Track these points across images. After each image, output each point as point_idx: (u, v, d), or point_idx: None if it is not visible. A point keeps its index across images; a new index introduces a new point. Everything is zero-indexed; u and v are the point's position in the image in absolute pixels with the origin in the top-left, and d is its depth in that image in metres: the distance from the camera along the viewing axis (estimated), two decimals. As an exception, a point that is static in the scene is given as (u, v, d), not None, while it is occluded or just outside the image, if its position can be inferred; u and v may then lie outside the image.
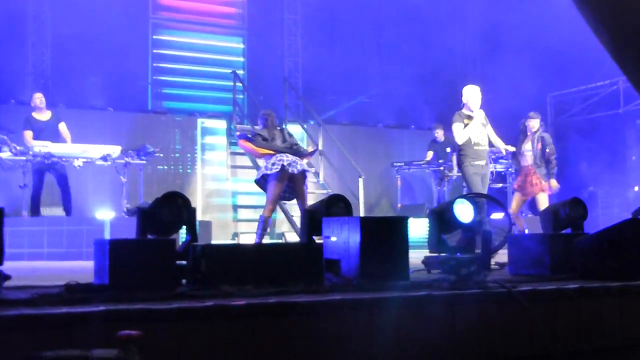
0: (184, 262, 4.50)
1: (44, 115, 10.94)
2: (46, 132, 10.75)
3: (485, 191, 8.98)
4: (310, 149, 10.03)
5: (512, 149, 10.14)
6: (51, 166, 10.59)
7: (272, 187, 8.92)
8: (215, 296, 3.78)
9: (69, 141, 10.79)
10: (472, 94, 9.18)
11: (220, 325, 3.46)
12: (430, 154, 14.12)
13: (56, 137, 10.74)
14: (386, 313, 3.83)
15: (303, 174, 8.99)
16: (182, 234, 5.10)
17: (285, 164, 8.79)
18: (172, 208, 4.78)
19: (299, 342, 3.61)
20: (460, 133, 9.01)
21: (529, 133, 10.45)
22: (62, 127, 10.92)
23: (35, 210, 10.59)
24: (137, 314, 3.32)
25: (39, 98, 10.94)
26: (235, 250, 4.73)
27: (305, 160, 9.19)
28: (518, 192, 10.43)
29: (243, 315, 3.51)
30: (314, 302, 3.70)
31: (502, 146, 9.68)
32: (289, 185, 9.01)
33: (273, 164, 8.84)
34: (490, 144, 9.42)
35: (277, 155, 8.92)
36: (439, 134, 14.23)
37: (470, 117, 9.06)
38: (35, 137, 10.56)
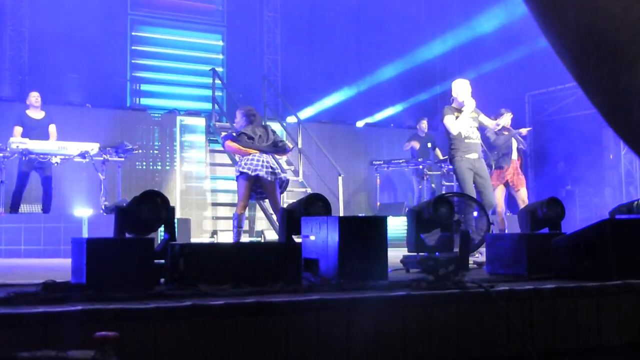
0: (162, 261, 4.49)
1: (38, 114, 10.89)
2: (37, 130, 10.72)
3: (488, 184, 8.97)
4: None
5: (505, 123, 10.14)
6: (38, 166, 10.53)
7: (242, 185, 8.86)
8: (193, 296, 3.77)
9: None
10: (461, 88, 9.10)
11: (198, 325, 3.45)
12: (415, 143, 14.06)
13: (47, 137, 10.69)
14: (364, 313, 3.83)
15: (274, 183, 8.85)
16: (161, 232, 5.09)
17: (260, 174, 8.71)
18: (151, 207, 4.77)
19: (276, 342, 3.61)
20: (453, 124, 8.88)
21: (509, 128, 10.52)
22: (52, 128, 10.89)
23: (14, 207, 10.52)
24: (114, 314, 3.29)
25: (34, 97, 10.91)
26: (213, 250, 4.72)
27: (284, 158, 9.13)
28: (504, 187, 10.39)
29: (221, 315, 3.50)
30: (291, 302, 3.69)
31: (491, 124, 9.61)
32: (259, 187, 8.92)
33: (248, 165, 8.76)
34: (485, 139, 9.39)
35: (258, 156, 8.83)
36: (423, 126, 14.26)
37: (460, 111, 8.97)
38: (26, 135, 10.51)
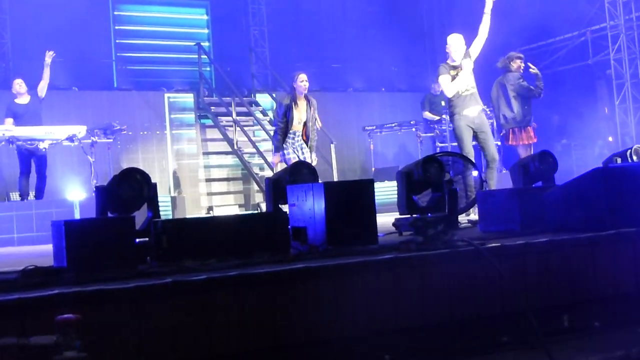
0: (147, 239, 4.41)
1: (24, 100, 10.76)
2: (26, 116, 10.58)
3: (490, 139, 8.64)
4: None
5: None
6: (33, 152, 10.43)
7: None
8: (176, 272, 3.69)
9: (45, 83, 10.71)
10: (454, 43, 8.68)
11: (181, 302, 3.37)
12: (427, 114, 13.71)
13: (37, 121, 10.57)
14: (351, 279, 3.75)
15: None
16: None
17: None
18: (131, 185, 4.68)
19: (263, 313, 3.53)
20: (448, 85, 8.53)
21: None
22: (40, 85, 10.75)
23: (22, 193, 10.48)
24: (93, 296, 3.21)
25: (18, 84, 10.76)
26: (197, 224, 4.62)
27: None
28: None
29: (204, 290, 3.42)
30: (276, 272, 3.61)
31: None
32: None
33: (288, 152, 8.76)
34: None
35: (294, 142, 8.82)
36: (436, 87, 13.96)
37: (455, 67, 8.60)
38: (17, 122, 10.39)
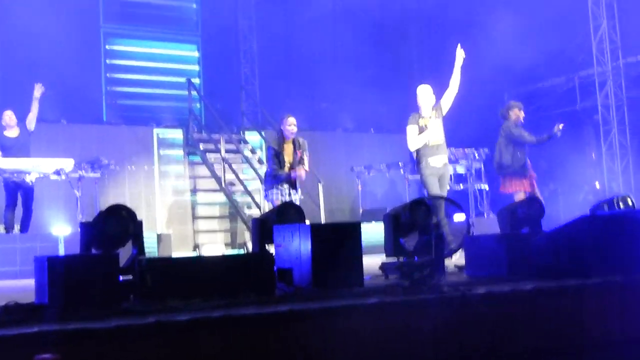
0: (131, 277, 4.36)
1: (13, 133, 10.70)
2: (14, 149, 10.51)
3: (444, 191, 8.75)
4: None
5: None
6: (20, 185, 10.35)
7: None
8: (159, 311, 3.64)
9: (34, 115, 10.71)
10: (422, 95, 8.88)
11: (163, 342, 3.32)
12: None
13: (25, 153, 10.51)
14: (338, 322, 3.71)
15: None
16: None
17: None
18: (117, 221, 4.64)
19: (247, 355, 3.48)
20: (412, 138, 8.74)
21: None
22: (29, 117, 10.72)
23: (7, 226, 10.37)
24: (74, 335, 3.16)
25: (8, 116, 10.69)
26: (182, 263, 4.59)
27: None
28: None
29: (187, 330, 3.37)
30: (261, 314, 3.57)
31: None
32: None
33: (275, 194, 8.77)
34: None
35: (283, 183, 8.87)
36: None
37: (422, 117, 8.79)
38: (5, 155, 10.33)
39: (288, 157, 8.83)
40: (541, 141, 10.06)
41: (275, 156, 8.79)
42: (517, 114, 10.15)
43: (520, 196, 9.77)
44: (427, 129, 8.69)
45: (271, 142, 9.02)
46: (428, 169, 8.65)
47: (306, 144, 9.09)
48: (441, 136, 8.77)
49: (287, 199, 8.70)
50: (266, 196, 9.10)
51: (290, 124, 8.89)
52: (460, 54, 9.03)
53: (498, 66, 15.86)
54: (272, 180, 8.91)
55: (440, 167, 8.72)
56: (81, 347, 3.14)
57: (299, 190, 8.95)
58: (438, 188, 8.65)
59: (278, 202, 8.51)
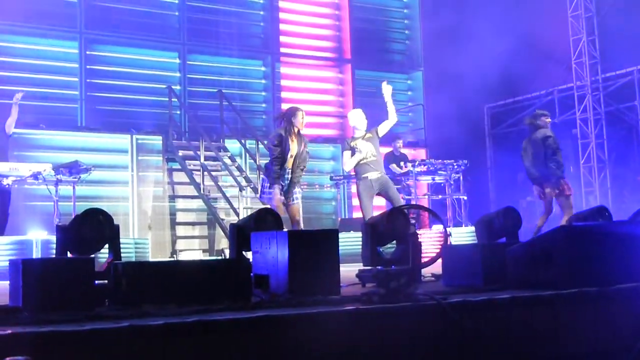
0: (106, 282, 4.34)
1: None
2: None
3: (394, 194, 9.32)
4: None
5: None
6: None
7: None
8: (133, 316, 3.62)
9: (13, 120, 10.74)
10: (353, 119, 9.59)
11: (136, 347, 3.30)
12: (394, 166, 13.81)
13: (2, 157, 10.44)
14: (313, 329, 3.71)
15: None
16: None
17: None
18: (93, 225, 4.63)
19: (221, 361, 3.47)
20: (347, 161, 9.42)
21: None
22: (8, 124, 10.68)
23: None
24: (46, 338, 3.14)
25: None
26: (157, 268, 4.55)
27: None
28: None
29: (160, 335, 3.35)
30: (236, 320, 3.56)
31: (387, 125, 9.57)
32: None
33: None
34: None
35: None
36: (399, 145, 14.15)
37: (355, 139, 9.42)
38: None
39: (292, 149, 8.74)
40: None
41: (279, 143, 8.65)
42: (548, 120, 10.48)
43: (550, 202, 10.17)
44: (358, 149, 9.31)
45: (279, 130, 8.87)
46: (361, 184, 9.34)
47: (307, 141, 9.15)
48: (374, 153, 9.36)
49: (294, 201, 8.72)
50: (262, 196, 8.97)
51: (302, 117, 8.88)
52: (386, 90, 9.63)
53: (478, 80, 15.98)
54: (274, 178, 8.69)
55: (376, 179, 9.31)
56: (54, 350, 3.12)
57: (297, 189, 8.89)
58: (370, 205, 9.31)
59: (276, 203, 8.49)
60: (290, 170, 8.74)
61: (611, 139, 16.13)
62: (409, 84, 18.26)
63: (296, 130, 8.81)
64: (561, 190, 10.05)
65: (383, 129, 9.50)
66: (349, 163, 9.38)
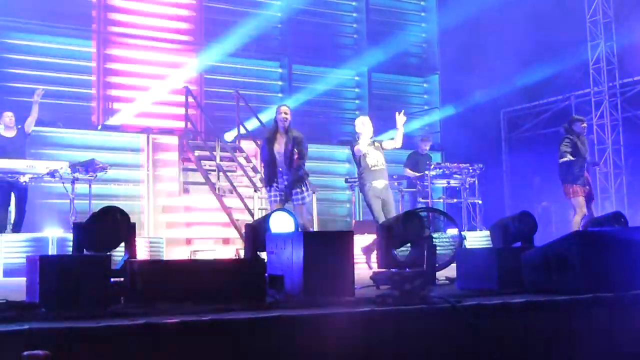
0: (122, 279, 4.36)
1: (11, 133, 10.74)
2: (10, 148, 10.54)
3: (392, 211, 9.37)
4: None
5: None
6: (13, 185, 10.35)
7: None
8: (149, 314, 3.64)
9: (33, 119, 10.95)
10: (361, 126, 9.71)
11: (151, 344, 3.32)
12: (408, 171, 13.73)
13: (20, 155, 10.53)
14: (327, 330, 3.72)
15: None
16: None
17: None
18: (109, 223, 4.64)
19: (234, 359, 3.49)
20: (362, 146, 9.51)
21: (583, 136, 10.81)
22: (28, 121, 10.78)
23: (1, 227, 10.36)
24: (63, 333, 3.16)
25: (8, 117, 10.77)
26: (173, 267, 4.58)
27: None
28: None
29: (175, 333, 3.37)
30: (250, 319, 3.57)
31: (390, 145, 9.84)
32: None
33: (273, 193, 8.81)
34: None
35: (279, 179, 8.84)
36: (425, 146, 14.00)
37: (364, 145, 9.53)
38: (1, 155, 10.34)
39: (279, 148, 8.72)
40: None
41: (262, 148, 8.75)
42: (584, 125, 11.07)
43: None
44: (362, 140, 9.54)
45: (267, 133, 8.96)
46: (371, 190, 9.47)
47: (303, 138, 9.00)
48: (383, 163, 9.59)
49: (297, 202, 8.71)
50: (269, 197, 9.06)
51: (282, 112, 8.83)
52: (400, 120, 9.82)
53: (496, 84, 15.95)
54: (265, 182, 8.89)
55: (382, 189, 9.53)
56: (71, 346, 3.15)
57: (303, 189, 8.85)
58: (380, 209, 9.44)
59: (275, 205, 8.49)
60: (284, 172, 8.75)
61: (628, 145, 16.04)
62: (425, 87, 18.24)
63: (282, 129, 8.78)
64: (566, 194, 10.68)
65: (387, 145, 9.75)
66: (361, 149, 9.47)
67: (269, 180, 8.77)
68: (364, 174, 9.49)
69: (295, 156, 8.83)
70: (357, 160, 9.62)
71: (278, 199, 8.71)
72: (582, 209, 10.32)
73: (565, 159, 10.53)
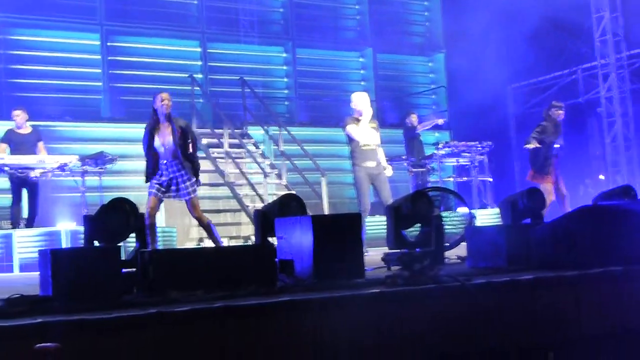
0: (133, 270, 4.40)
1: (24, 130, 10.76)
2: (25, 145, 10.57)
3: (386, 190, 9.19)
4: None
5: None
6: (25, 181, 10.40)
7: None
8: (160, 303, 3.67)
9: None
10: (360, 100, 9.47)
11: (164, 333, 3.35)
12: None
13: (33, 152, 10.56)
14: (337, 312, 3.74)
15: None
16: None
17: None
18: (119, 215, 4.69)
19: (247, 345, 3.51)
20: (355, 131, 9.22)
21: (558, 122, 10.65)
22: (41, 145, 10.76)
23: (14, 222, 10.42)
24: (76, 325, 3.20)
25: (18, 116, 10.73)
26: (184, 256, 4.61)
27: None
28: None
29: (187, 321, 3.40)
30: (261, 305, 3.60)
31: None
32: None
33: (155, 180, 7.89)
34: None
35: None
36: (414, 119, 13.77)
37: (358, 121, 9.27)
38: (14, 151, 10.39)
39: (162, 139, 7.77)
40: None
41: (146, 138, 7.81)
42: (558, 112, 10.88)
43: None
44: (363, 121, 9.25)
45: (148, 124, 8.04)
46: (362, 170, 9.20)
47: (189, 126, 8.17)
48: (377, 144, 9.35)
49: (164, 194, 7.92)
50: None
51: (161, 100, 7.84)
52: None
53: (501, 60, 15.89)
54: (146, 176, 7.96)
55: (373, 168, 9.23)
56: (83, 337, 3.18)
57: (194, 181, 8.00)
58: (367, 193, 9.31)
59: (152, 198, 7.85)
60: (169, 164, 7.81)
61: (638, 116, 15.98)
62: (430, 67, 18.19)
63: (164, 119, 7.82)
64: (532, 179, 10.60)
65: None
66: (357, 133, 9.19)
67: (147, 175, 7.88)
68: (355, 152, 9.26)
69: (190, 148, 7.95)
70: (348, 138, 9.40)
71: (155, 190, 7.84)
72: (550, 196, 10.22)
73: (528, 146, 10.53)
